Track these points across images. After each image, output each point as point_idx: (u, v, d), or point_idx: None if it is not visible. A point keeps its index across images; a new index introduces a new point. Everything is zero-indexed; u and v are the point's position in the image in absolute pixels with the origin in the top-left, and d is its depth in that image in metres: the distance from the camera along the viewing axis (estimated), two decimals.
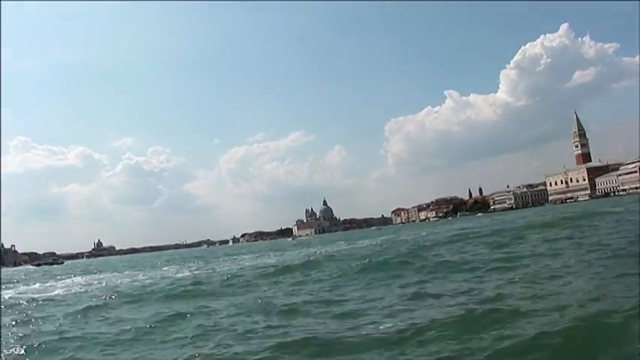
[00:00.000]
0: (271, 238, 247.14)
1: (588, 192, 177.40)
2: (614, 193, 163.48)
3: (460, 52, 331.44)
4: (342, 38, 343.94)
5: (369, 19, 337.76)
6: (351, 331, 10.15)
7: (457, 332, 9.21)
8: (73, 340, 12.31)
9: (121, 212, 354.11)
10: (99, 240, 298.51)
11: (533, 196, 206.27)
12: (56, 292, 28.36)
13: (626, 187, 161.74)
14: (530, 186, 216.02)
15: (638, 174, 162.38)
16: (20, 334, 13.42)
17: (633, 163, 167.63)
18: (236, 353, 9.58)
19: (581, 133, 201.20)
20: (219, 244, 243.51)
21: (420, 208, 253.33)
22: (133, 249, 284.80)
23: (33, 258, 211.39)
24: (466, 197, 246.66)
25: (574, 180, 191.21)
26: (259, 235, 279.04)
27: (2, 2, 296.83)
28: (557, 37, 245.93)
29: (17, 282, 46.42)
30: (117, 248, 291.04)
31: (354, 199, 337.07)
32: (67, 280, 40.33)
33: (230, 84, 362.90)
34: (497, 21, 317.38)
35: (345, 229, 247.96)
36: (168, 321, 13.75)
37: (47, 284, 36.84)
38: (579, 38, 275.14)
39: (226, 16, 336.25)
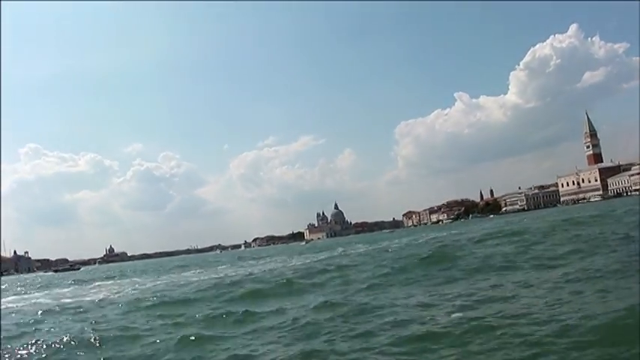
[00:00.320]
0: (283, 243, 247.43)
1: (600, 192, 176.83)
2: (626, 193, 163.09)
3: (470, 54, 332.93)
4: (351, 42, 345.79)
5: (377, 21, 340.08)
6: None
7: None
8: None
9: (132, 218, 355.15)
10: (110, 246, 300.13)
11: (544, 198, 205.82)
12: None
13: (638, 187, 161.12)
14: (541, 187, 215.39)
15: None
16: None
17: None
18: None
19: (593, 134, 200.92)
20: (231, 249, 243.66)
21: (431, 211, 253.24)
22: (144, 254, 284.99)
23: (45, 265, 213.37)
24: (477, 199, 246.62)
25: (586, 181, 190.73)
26: (271, 240, 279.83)
27: (13, 10, 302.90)
28: (566, 38, 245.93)
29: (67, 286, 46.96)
30: (128, 254, 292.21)
31: (364, 203, 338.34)
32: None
33: (240, 89, 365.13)
34: (507, 22, 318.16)
35: (357, 232, 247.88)
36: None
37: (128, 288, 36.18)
38: (589, 38, 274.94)
39: (236, 21, 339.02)
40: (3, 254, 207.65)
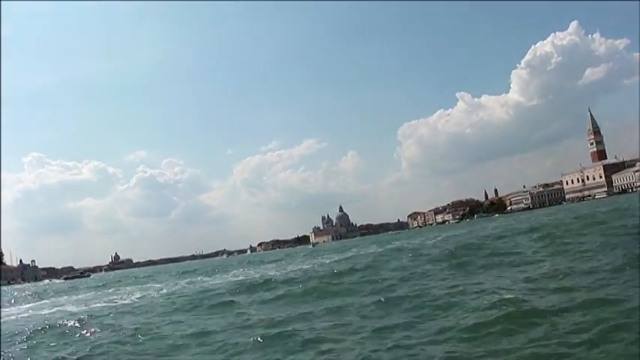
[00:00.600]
0: (288, 246, 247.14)
1: (605, 189, 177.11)
2: (631, 189, 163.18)
3: (471, 53, 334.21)
4: (352, 44, 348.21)
5: (378, 23, 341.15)
6: None
7: None
8: None
9: (137, 225, 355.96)
10: (116, 253, 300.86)
11: (549, 196, 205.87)
12: None
13: None
14: (546, 185, 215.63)
15: None
16: None
17: None
18: None
19: (596, 131, 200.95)
20: (237, 254, 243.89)
21: (436, 212, 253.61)
22: (150, 261, 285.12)
23: (51, 273, 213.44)
24: (482, 199, 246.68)
25: (590, 178, 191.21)
26: (276, 244, 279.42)
27: (14, 19, 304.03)
28: (567, 35, 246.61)
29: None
30: (134, 261, 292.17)
31: (368, 205, 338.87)
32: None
33: (242, 94, 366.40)
34: (507, 21, 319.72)
35: (362, 234, 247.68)
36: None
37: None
38: (589, 35, 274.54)
39: (237, 25, 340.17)
40: (9, 264, 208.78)
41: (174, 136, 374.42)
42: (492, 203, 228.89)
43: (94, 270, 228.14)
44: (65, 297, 40.58)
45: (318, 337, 11.62)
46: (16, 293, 63.52)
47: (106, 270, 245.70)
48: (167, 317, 18.47)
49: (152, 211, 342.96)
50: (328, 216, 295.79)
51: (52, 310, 26.92)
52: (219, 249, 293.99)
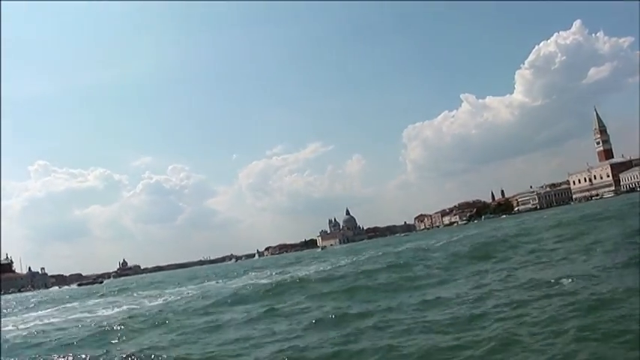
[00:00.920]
0: (295, 250, 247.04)
1: (613, 188, 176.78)
2: (639, 188, 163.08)
3: (474, 54, 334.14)
4: (355, 47, 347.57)
5: (382, 26, 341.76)
6: None
7: None
8: None
9: (144, 231, 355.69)
10: (123, 259, 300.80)
11: (556, 196, 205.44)
12: None
13: None
14: (553, 185, 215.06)
15: None
16: None
17: None
18: None
19: (602, 130, 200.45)
20: (245, 258, 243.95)
21: (443, 213, 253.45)
22: (157, 267, 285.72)
23: (60, 280, 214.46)
24: (488, 200, 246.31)
25: (598, 177, 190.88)
26: (283, 248, 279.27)
27: (19, 27, 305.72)
28: (570, 35, 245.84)
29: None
30: (141, 267, 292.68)
31: (374, 208, 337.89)
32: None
33: (246, 98, 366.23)
34: (510, 21, 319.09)
35: (369, 237, 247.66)
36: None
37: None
38: (593, 34, 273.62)
39: (240, 30, 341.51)
40: (18, 271, 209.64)
41: (179, 141, 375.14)
42: (499, 204, 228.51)
43: (102, 276, 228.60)
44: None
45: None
46: (68, 296, 63.43)
47: (114, 276, 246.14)
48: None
49: (158, 217, 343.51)
50: (335, 219, 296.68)
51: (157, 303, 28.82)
52: (226, 254, 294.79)
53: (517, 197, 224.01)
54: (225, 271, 75.99)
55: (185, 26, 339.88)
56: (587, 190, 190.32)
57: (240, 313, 18.24)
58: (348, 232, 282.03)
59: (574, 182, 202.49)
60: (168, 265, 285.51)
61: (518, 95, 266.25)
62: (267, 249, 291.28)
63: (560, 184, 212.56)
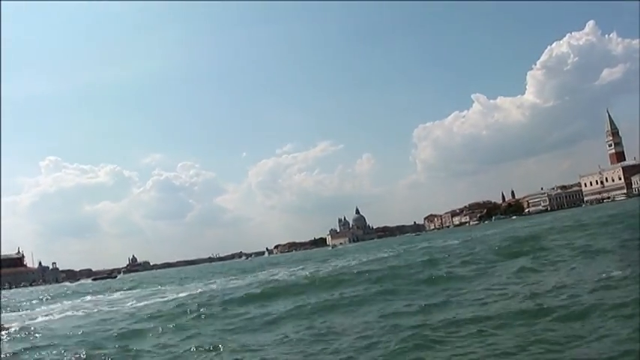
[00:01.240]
0: (305, 249, 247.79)
1: (625, 191, 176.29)
2: None
3: (486, 54, 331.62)
4: (367, 46, 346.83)
5: (393, 25, 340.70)
6: None
7: None
8: None
9: (153, 228, 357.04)
10: (133, 255, 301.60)
11: (568, 198, 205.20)
12: None
13: None
14: (564, 187, 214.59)
15: None
16: None
17: None
18: None
19: (615, 132, 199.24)
20: (255, 256, 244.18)
21: (453, 214, 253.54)
22: (167, 263, 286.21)
23: (70, 275, 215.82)
24: (498, 201, 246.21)
25: (609, 179, 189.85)
26: (293, 246, 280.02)
27: (28, 27, 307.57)
28: (583, 35, 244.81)
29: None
30: (151, 263, 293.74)
31: (384, 207, 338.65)
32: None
33: (256, 97, 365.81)
34: (522, 22, 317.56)
35: (379, 237, 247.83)
36: None
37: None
38: (606, 35, 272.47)
39: (250, 29, 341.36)
40: (29, 266, 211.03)
41: (189, 139, 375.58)
42: (510, 205, 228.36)
43: (111, 272, 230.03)
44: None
45: None
46: (97, 288, 64.13)
47: (124, 272, 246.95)
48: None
49: (168, 214, 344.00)
50: (345, 218, 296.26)
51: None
52: (235, 251, 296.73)
53: (528, 198, 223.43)
54: (246, 267, 76.17)
55: (195, 25, 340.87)
56: (599, 193, 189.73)
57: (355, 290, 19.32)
58: (358, 231, 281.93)
59: (585, 184, 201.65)
60: (178, 262, 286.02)
61: (529, 96, 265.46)
62: (276, 247, 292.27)
63: (572, 186, 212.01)
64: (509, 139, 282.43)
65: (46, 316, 26.25)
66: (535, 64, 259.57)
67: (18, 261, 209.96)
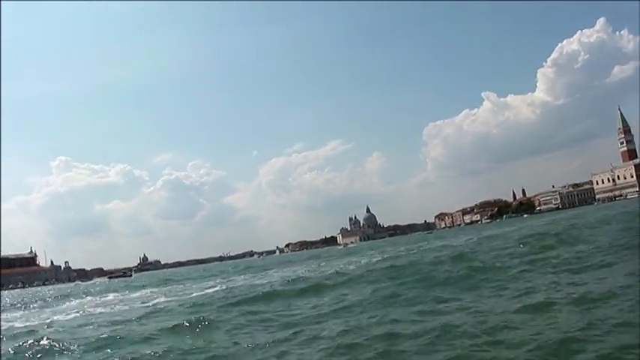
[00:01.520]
0: (316, 247, 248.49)
1: (637, 189, 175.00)
2: None
3: (496, 52, 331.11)
4: (376, 44, 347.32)
5: (402, 23, 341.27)
6: None
7: None
8: None
9: (163, 227, 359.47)
10: (144, 254, 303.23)
11: (579, 196, 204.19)
12: None
13: None
14: (575, 185, 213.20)
15: None
16: None
17: None
18: None
19: (626, 129, 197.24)
20: (266, 255, 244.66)
21: (464, 212, 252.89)
22: (178, 262, 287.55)
23: (81, 274, 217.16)
24: (509, 199, 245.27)
25: (621, 177, 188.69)
26: (303, 245, 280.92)
27: (39, 27, 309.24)
28: (594, 33, 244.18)
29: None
30: (162, 262, 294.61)
31: (394, 206, 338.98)
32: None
33: (266, 96, 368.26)
34: (532, 19, 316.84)
35: (390, 235, 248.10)
36: None
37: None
38: (617, 32, 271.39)
39: (262, 27, 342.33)
40: (42, 265, 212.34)
41: (199, 138, 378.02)
42: (521, 203, 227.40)
43: (123, 271, 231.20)
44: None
45: None
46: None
47: (135, 271, 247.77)
48: None
49: (178, 213, 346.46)
50: (355, 217, 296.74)
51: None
52: (246, 250, 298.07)
53: (539, 197, 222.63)
54: (264, 265, 76.14)
55: (207, 25, 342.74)
56: (611, 191, 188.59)
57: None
58: (369, 229, 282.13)
59: (597, 182, 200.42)
60: (189, 261, 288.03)
61: (540, 94, 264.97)
62: (287, 246, 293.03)
63: (583, 184, 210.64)
64: (520, 137, 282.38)
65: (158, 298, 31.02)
66: (546, 62, 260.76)
67: (31, 260, 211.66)
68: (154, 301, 27.84)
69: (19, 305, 43.19)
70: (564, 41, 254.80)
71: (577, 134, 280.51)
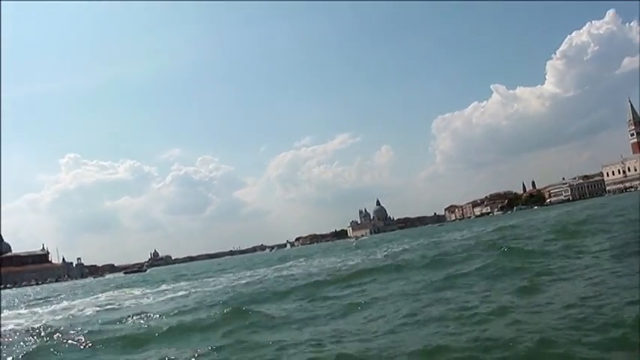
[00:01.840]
0: (326, 241, 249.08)
1: None
2: None
3: (505, 44, 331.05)
4: (384, 37, 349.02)
5: (410, 16, 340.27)
6: None
7: None
8: None
9: (173, 222, 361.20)
10: (155, 250, 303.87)
11: (590, 187, 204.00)
12: None
13: None
14: (586, 177, 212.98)
15: None
16: None
17: None
18: None
19: (636, 121, 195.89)
20: (277, 248, 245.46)
21: (474, 204, 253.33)
22: (189, 257, 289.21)
23: (93, 270, 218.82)
24: (519, 191, 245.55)
25: (632, 169, 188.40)
26: (314, 238, 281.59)
27: (47, 25, 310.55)
28: (603, 24, 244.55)
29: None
30: (173, 257, 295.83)
31: (403, 199, 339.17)
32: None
33: (275, 90, 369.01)
34: (541, 11, 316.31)
35: (400, 228, 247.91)
36: None
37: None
38: (627, 24, 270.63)
39: (270, 22, 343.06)
40: (55, 261, 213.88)
41: (208, 134, 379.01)
42: (531, 195, 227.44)
43: (133, 267, 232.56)
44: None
45: None
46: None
47: (147, 266, 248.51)
48: None
49: (188, 208, 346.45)
50: (365, 210, 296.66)
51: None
52: (256, 244, 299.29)
53: (549, 189, 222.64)
54: (281, 258, 76.11)
55: (215, 20, 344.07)
56: (621, 182, 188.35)
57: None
58: (379, 222, 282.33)
59: (607, 174, 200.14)
60: (199, 256, 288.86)
61: (549, 86, 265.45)
62: (297, 239, 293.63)
63: (593, 175, 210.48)
64: (529, 129, 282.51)
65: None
66: (555, 54, 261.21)
67: (43, 257, 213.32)
68: (229, 294, 25.55)
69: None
70: (573, 33, 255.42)
71: (587, 126, 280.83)
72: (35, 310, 30.06)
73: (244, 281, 32.73)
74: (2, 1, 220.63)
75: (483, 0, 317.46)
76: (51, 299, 44.45)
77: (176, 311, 19.37)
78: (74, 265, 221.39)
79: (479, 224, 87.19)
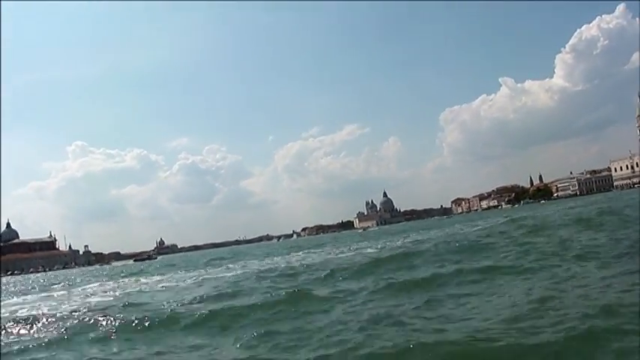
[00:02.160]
0: (332, 231, 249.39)
1: None
2: None
3: (514, 38, 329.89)
4: (394, 29, 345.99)
5: (420, 8, 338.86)
6: None
7: None
8: None
9: (180, 211, 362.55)
10: (161, 238, 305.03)
11: (597, 182, 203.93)
12: None
13: None
14: (593, 172, 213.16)
15: None
16: None
17: None
18: None
19: None
20: (284, 239, 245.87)
21: (481, 197, 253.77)
22: (194, 246, 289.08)
23: (100, 258, 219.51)
24: (526, 185, 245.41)
25: None
26: (320, 229, 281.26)
27: (56, 13, 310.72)
28: (613, 19, 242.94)
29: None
30: (179, 246, 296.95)
31: (410, 190, 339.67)
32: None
33: (283, 81, 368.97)
34: (551, 5, 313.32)
35: (407, 220, 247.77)
36: None
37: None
38: (637, 18, 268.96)
39: (277, 12, 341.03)
40: (62, 249, 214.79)
41: (215, 123, 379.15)
42: (538, 189, 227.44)
43: (140, 255, 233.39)
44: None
45: None
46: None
47: (153, 254, 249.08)
48: None
49: (194, 197, 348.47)
50: (372, 201, 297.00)
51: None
52: (262, 234, 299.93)
53: (556, 183, 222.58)
54: (291, 247, 76.06)
55: (225, 8, 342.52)
56: (629, 178, 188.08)
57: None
58: (386, 214, 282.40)
59: (615, 169, 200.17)
60: (205, 245, 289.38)
61: (558, 80, 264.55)
62: (303, 229, 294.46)
63: (601, 170, 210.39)
64: (537, 123, 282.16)
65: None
66: (564, 48, 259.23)
67: (51, 244, 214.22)
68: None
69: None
70: (583, 27, 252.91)
71: (595, 121, 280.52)
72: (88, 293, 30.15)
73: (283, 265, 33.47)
74: None
75: None
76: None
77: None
78: (81, 252, 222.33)
79: (491, 216, 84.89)
